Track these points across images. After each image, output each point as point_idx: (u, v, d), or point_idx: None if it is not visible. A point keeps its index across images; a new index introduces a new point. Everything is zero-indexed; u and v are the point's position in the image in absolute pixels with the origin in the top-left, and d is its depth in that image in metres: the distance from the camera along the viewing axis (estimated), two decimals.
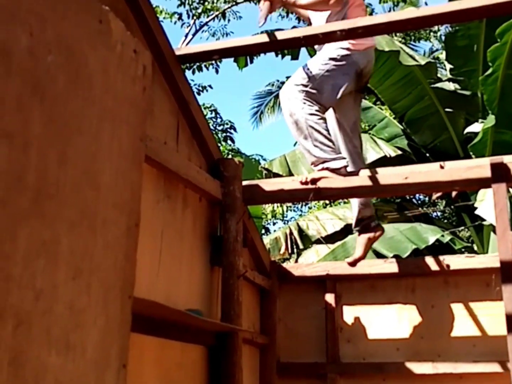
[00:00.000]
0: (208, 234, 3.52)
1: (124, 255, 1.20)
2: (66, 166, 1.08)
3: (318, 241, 8.89)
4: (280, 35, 2.92)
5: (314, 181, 3.47)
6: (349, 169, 3.61)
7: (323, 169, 3.52)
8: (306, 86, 3.49)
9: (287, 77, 13.01)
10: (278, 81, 13.87)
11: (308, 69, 3.48)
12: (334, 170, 3.51)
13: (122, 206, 1.22)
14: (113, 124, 1.22)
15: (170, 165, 3.00)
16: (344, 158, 3.59)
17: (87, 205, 1.12)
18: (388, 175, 3.37)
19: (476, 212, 5.86)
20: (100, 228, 1.14)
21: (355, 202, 3.82)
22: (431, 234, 7.17)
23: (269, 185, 3.68)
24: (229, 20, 12.72)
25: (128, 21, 2.87)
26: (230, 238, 3.47)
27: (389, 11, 13.25)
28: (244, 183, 3.71)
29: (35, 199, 1.00)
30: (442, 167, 3.29)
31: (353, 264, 3.85)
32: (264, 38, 3.00)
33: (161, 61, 3.09)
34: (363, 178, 3.41)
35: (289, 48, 3.09)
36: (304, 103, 3.50)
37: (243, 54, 3.18)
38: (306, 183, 3.49)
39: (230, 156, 12.85)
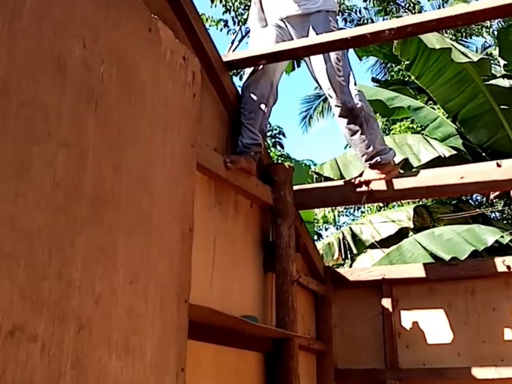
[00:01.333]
0: (260, 240, 3.52)
1: (179, 260, 1.22)
2: (121, 173, 1.10)
3: (372, 246, 8.78)
4: (326, 37, 2.91)
5: (367, 183, 3.41)
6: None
7: (376, 164, 3.42)
8: (346, 69, 3.35)
9: None
10: None
11: (341, 54, 3.33)
12: (386, 165, 3.41)
13: (175, 211, 1.23)
14: (165, 131, 1.24)
15: (221, 172, 3.02)
16: (391, 149, 3.48)
17: (142, 211, 1.14)
18: (443, 175, 3.30)
19: None
20: (155, 233, 1.15)
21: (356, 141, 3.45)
22: (490, 235, 6.98)
23: (320, 189, 3.66)
24: None
25: (175, 29, 2.90)
26: (283, 244, 3.47)
27: (439, 7, 13.04)
28: (295, 187, 3.70)
29: (93, 206, 1.02)
30: (499, 165, 3.20)
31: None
32: (311, 41, 2.99)
33: (209, 68, 3.11)
34: (417, 179, 3.35)
35: (336, 49, 3.06)
36: (356, 89, 3.37)
37: (291, 58, 3.18)
38: (359, 185, 3.43)
39: (280, 162, 12.83)
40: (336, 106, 3.37)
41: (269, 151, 13.80)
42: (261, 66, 3.32)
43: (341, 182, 3.75)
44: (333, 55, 3.26)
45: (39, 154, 0.94)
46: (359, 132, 3.34)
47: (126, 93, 1.15)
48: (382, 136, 3.54)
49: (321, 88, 3.52)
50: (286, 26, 3.40)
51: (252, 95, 3.34)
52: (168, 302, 1.15)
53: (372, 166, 3.43)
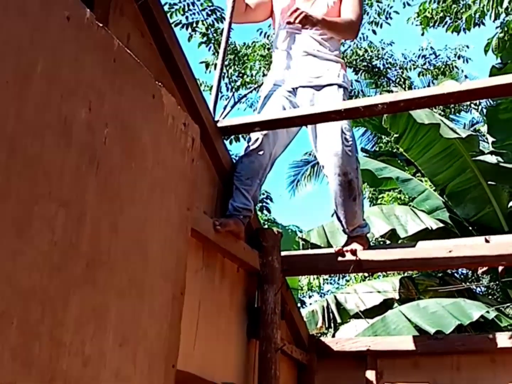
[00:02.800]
0: (245, 305, 3.49)
1: (169, 324, 1.21)
2: (118, 235, 1.11)
3: (356, 315, 8.71)
4: (320, 109, 2.99)
5: (353, 252, 3.43)
6: None
7: (356, 236, 3.47)
8: (353, 140, 3.36)
9: None
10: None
11: (349, 124, 3.37)
12: (363, 238, 3.50)
13: (168, 274, 1.24)
14: (162, 194, 1.26)
15: (209, 235, 3.02)
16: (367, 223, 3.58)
17: (136, 272, 1.15)
18: (432, 248, 3.32)
19: None
20: (147, 296, 1.15)
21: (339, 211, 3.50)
22: (475, 310, 6.95)
23: (308, 256, 3.67)
24: None
25: (172, 94, 2.98)
26: (268, 310, 3.44)
27: (428, 84, 13.42)
28: (283, 253, 3.70)
29: (88, 266, 1.03)
30: (487, 241, 3.23)
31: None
32: (305, 111, 3.06)
33: (203, 132, 3.15)
34: (405, 251, 3.37)
35: (330, 120, 3.13)
36: (357, 160, 3.40)
37: (285, 127, 3.23)
38: (344, 254, 3.45)
39: (266, 226, 12.86)
40: (336, 174, 3.36)
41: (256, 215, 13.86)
42: (261, 137, 3.36)
43: (329, 250, 3.76)
44: (343, 124, 3.29)
45: (39, 213, 0.95)
46: (351, 204, 3.39)
47: (127, 156, 1.18)
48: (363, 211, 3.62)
49: (316, 155, 3.56)
50: (295, 95, 3.48)
51: (251, 164, 3.37)
52: (156, 366, 1.14)
53: (351, 238, 3.50)
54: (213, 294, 3.16)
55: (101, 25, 1.14)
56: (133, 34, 2.81)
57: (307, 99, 3.41)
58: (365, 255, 3.40)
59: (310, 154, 14.18)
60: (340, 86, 3.40)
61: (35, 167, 0.96)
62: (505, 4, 5.84)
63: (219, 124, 3.33)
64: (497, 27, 6.04)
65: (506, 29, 5.44)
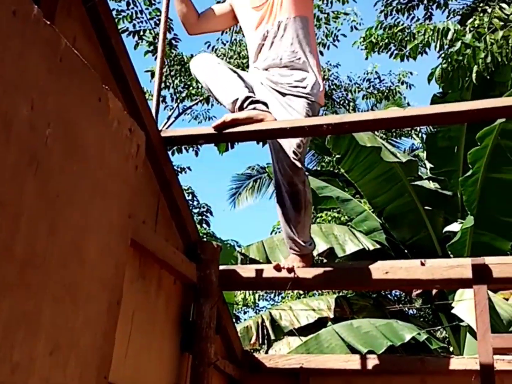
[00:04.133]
0: (180, 318, 3.45)
1: (103, 333, 1.18)
2: (55, 238, 1.08)
3: (290, 333, 8.75)
4: (265, 125, 3.00)
5: (292, 269, 3.44)
6: None
7: (300, 253, 3.47)
8: (302, 153, 3.32)
9: (268, 163, 13.33)
10: (258, 165, 14.10)
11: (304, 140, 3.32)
12: (308, 255, 3.50)
13: (105, 282, 1.21)
14: (104, 199, 1.23)
15: (148, 245, 2.97)
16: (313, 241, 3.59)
17: (72, 278, 1.11)
18: (368, 269, 3.38)
19: (453, 311, 5.85)
20: (82, 302, 1.12)
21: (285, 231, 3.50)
22: (407, 332, 7.10)
23: (246, 271, 3.66)
24: (212, 104, 13.03)
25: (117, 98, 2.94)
26: (203, 324, 3.40)
27: (372, 107, 13.74)
28: (221, 267, 3.67)
29: (21, 269, 0.99)
30: (423, 264, 3.31)
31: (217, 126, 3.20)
32: (251, 127, 3.06)
33: (147, 141, 3.12)
34: (342, 270, 3.41)
35: (275, 138, 3.15)
36: (305, 173, 3.37)
37: (230, 141, 3.23)
38: (286, 271, 3.45)
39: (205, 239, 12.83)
40: (283, 185, 3.36)
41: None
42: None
43: (268, 266, 3.76)
44: (296, 140, 3.28)
45: None
46: (295, 216, 3.39)
47: (69, 157, 1.14)
48: (310, 227, 3.61)
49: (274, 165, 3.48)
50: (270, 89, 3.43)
51: None
52: (87, 376, 1.10)
53: (296, 254, 3.49)
54: (148, 305, 3.10)
55: (48, 22, 1.11)
56: (79, 37, 2.75)
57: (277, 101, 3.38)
58: (303, 272, 3.42)
59: (253, 169, 14.28)
60: (312, 101, 3.35)
61: None
62: (450, 35, 6.05)
63: (163, 134, 3.30)
64: (439, 57, 6.27)
65: (449, 60, 5.64)
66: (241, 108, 3.20)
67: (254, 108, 3.15)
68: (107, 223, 1.23)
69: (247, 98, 3.21)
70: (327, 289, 4.18)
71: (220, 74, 3.38)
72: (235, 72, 3.44)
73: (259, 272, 3.60)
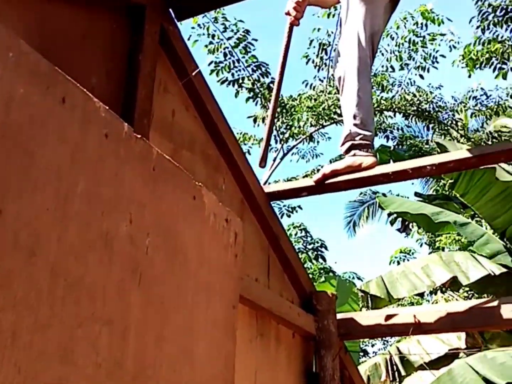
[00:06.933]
0: (303, 370, 3.43)
1: None
2: (163, 345, 1.11)
3: (421, 367, 8.43)
4: (369, 172, 2.96)
5: (334, 173, 3.08)
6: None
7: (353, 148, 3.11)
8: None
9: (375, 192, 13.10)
10: (370, 190, 13.92)
11: None
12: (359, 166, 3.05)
13: (216, 377, 1.22)
14: (207, 295, 1.25)
15: (263, 303, 3.00)
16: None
17: (183, 381, 1.13)
18: (496, 307, 3.19)
19: None
20: None
21: (347, 114, 3.16)
22: None
23: (365, 318, 3.58)
24: (318, 142, 13.07)
25: (219, 165, 3.04)
26: (327, 377, 3.36)
27: (482, 124, 13.21)
28: (339, 316, 3.63)
29: (133, 381, 1.02)
30: None
31: (318, 181, 3.13)
32: (353, 176, 3.04)
33: (251, 199, 3.19)
34: (467, 312, 3.25)
35: (378, 184, 3.09)
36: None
37: (332, 191, 3.21)
38: (323, 178, 3.11)
39: (323, 276, 12.73)
40: None
41: (311, 264, 13.79)
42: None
43: (387, 311, 3.65)
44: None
45: (83, 336, 0.96)
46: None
47: (170, 262, 1.18)
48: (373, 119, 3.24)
49: None
50: None
51: None
52: None
53: (348, 151, 3.14)
54: (270, 362, 3.12)
55: (139, 136, 1.16)
56: (178, 109, 2.88)
57: None
58: (424, 316, 3.30)
59: (365, 194, 14.15)
60: None
61: (78, 290, 0.97)
62: None
63: (266, 190, 3.36)
64: None
65: None
66: (346, 152, 3.12)
67: (354, 155, 3.11)
68: (213, 318, 1.25)
69: (347, 139, 3.09)
70: (451, 331, 3.99)
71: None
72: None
73: (378, 319, 3.52)
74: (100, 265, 1.03)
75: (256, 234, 3.29)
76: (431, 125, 12.09)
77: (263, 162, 3.21)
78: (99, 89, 2.42)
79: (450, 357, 8.16)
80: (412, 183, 13.29)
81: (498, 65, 8.24)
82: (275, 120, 11.91)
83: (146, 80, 2.63)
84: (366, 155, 3.08)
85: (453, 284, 8.04)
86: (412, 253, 15.32)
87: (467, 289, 9.96)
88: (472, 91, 12.02)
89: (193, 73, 2.87)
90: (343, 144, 3.15)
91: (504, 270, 8.03)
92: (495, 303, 3.27)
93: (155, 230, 1.15)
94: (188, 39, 11.02)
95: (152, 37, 2.72)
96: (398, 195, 12.53)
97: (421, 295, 10.40)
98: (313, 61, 11.81)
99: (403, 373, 8.56)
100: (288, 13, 3.20)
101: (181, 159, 2.78)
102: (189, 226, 1.25)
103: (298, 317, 3.36)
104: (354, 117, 3.11)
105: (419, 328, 3.29)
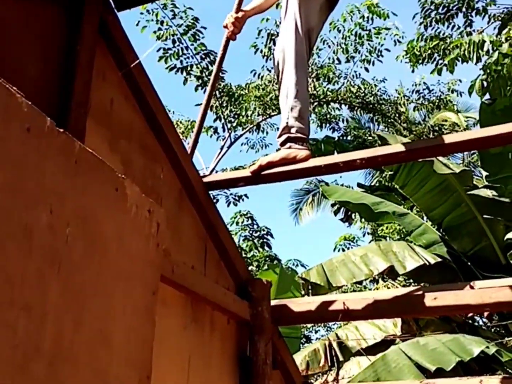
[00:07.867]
0: (236, 356, 3.52)
1: None
2: (81, 329, 1.18)
3: (358, 353, 8.70)
4: (300, 165, 3.07)
5: (269, 164, 3.18)
6: None
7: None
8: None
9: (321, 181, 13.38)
10: (316, 179, 14.20)
11: None
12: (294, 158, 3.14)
13: (134, 361, 1.30)
14: (126, 283, 1.32)
15: (197, 289, 3.08)
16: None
17: (100, 364, 1.21)
18: (417, 296, 3.36)
19: None
20: None
21: (285, 106, 3.25)
22: (475, 346, 6.93)
23: (297, 305, 3.70)
24: (267, 132, 13.23)
25: (157, 154, 3.09)
26: (259, 361, 3.47)
27: (424, 118, 13.60)
28: (273, 302, 3.74)
29: (51, 364, 1.09)
30: (472, 287, 3.27)
31: (254, 172, 3.22)
32: (289, 167, 3.14)
33: (189, 189, 3.26)
34: (392, 299, 3.41)
35: (310, 176, 3.21)
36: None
37: (268, 182, 3.31)
38: (259, 169, 3.21)
39: (267, 263, 12.91)
40: None
41: (256, 251, 13.98)
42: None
43: (319, 298, 3.78)
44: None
45: (0, 319, 1.02)
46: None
47: (90, 251, 1.25)
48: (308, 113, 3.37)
49: None
50: None
51: None
52: None
53: (284, 143, 3.24)
54: (204, 348, 3.20)
55: (61, 130, 1.22)
56: (116, 99, 2.91)
57: None
58: (352, 303, 3.44)
59: (310, 183, 14.43)
60: None
61: None
62: (486, 47, 5.97)
63: (204, 180, 3.43)
64: (480, 69, 6.19)
65: (488, 71, 5.57)
66: (282, 144, 3.23)
67: (289, 147, 3.22)
68: (132, 305, 1.32)
69: (284, 131, 3.20)
70: (377, 318, 4.17)
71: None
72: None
73: (309, 305, 3.64)
74: (19, 253, 1.09)
75: (194, 223, 3.36)
76: (375, 117, 12.40)
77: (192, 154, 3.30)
78: (36, 79, 2.44)
79: (386, 343, 8.44)
80: (360, 174, 13.60)
81: (440, 61, 8.52)
82: (223, 109, 11.99)
83: (84, 69, 2.66)
84: (301, 148, 3.20)
85: (391, 273, 8.30)
86: (356, 241, 15.70)
87: (406, 277, 10.28)
88: (415, 85, 12.40)
89: (133, 64, 2.91)
90: (280, 136, 3.26)
91: (439, 259, 8.33)
92: (420, 292, 3.45)
93: (75, 221, 1.22)
94: (137, 25, 10.94)
95: (91, 26, 2.75)
96: (342, 185, 12.79)
97: (361, 283, 10.65)
98: (261, 51, 11.92)
99: (341, 358, 8.79)
100: (226, 27, 3.32)
101: (118, 148, 2.83)
102: (110, 216, 1.31)
103: (233, 303, 3.45)
104: (292, 109, 3.23)
105: (348, 314, 3.43)
